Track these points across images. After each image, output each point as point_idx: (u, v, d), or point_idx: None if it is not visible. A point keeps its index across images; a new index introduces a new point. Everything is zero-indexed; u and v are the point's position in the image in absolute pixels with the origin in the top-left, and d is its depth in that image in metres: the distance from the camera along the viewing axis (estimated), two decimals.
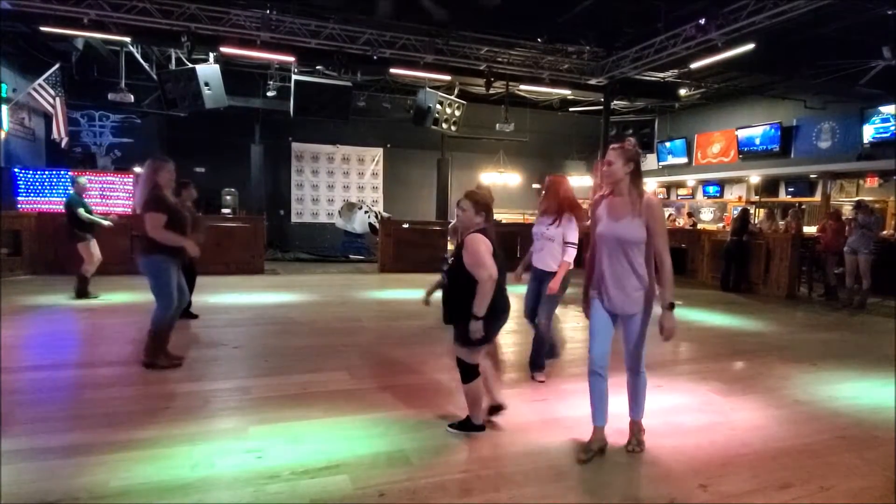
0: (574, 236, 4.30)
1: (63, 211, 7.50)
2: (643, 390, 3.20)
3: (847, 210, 11.62)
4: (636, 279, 2.93)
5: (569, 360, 5.20)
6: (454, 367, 3.28)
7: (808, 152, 13.27)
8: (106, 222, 7.48)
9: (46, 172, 10.83)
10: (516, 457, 3.07)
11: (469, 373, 3.21)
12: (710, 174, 16.14)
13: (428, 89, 12.06)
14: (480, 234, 3.10)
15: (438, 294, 3.45)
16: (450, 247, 8.62)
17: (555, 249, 4.29)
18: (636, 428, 3.22)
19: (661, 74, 11.88)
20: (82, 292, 7.32)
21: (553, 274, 4.27)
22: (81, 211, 7.24)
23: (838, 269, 9.08)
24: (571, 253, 4.28)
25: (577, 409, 3.86)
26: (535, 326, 4.52)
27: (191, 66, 9.87)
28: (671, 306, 2.90)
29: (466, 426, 3.34)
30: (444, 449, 3.15)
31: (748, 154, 14.46)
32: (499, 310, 3.15)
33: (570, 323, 7.01)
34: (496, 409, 3.50)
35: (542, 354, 4.54)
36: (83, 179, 7.72)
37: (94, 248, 7.44)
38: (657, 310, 2.99)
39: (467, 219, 3.18)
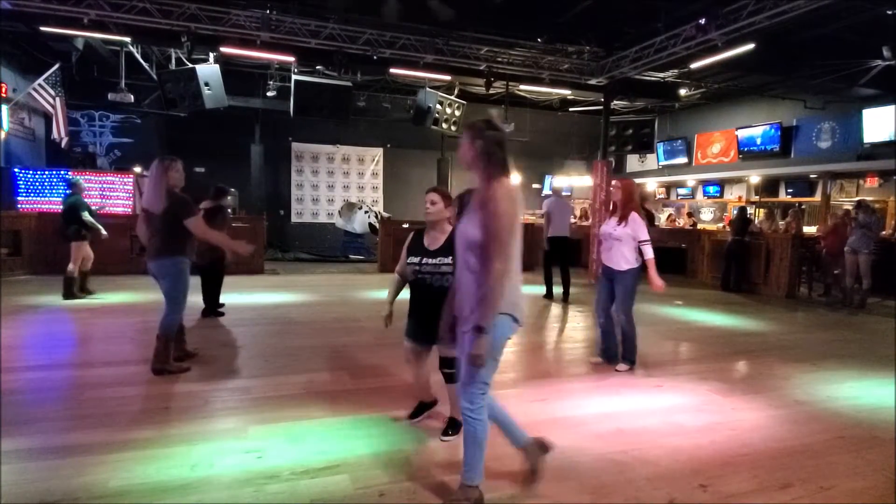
0: (645, 234, 4.58)
1: (60, 211, 7.55)
2: (472, 444, 2.44)
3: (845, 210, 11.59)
4: (472, 293, 2.32)
5: (569, 359, 5.20)
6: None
7: (808, 152, 13.26)
8: (104, 232, 7.51)
9: (46, 172, 10.82)
10: (516, 457, 3.06)
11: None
12: (710, 174, 16.13)
13: (428, 89, 12.06)
14: None
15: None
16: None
17: (623, 249, 4.58)
18: (459, 491, 2.50)
19: (661, 74, 11.86)
20: (69, 293, 7.31)
21: (624, 272, 4.59)
22: (86, 214, 7.31)
23: (838, 269, 9.05)
24: (649, 249, 4.57)
25: (577, 409, 3.87)
26: (602, 322, 4.87)
27: (191, 66, 9.86)
28: (479, 330, 2.23)
29: (458, 426, 3.23)
30: (444, 449, 3.15)
31: (748, 154, 14.46)
32: None
33: (570, 323, 7.02)
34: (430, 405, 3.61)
35: (634, 347, 4.80)
36: (80, 180, 7.79)
37: (86, 248, 7.50)
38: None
39: (438, 213, 3.19)
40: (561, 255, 8.59)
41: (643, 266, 4.70)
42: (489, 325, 2.25)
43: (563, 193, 9.87)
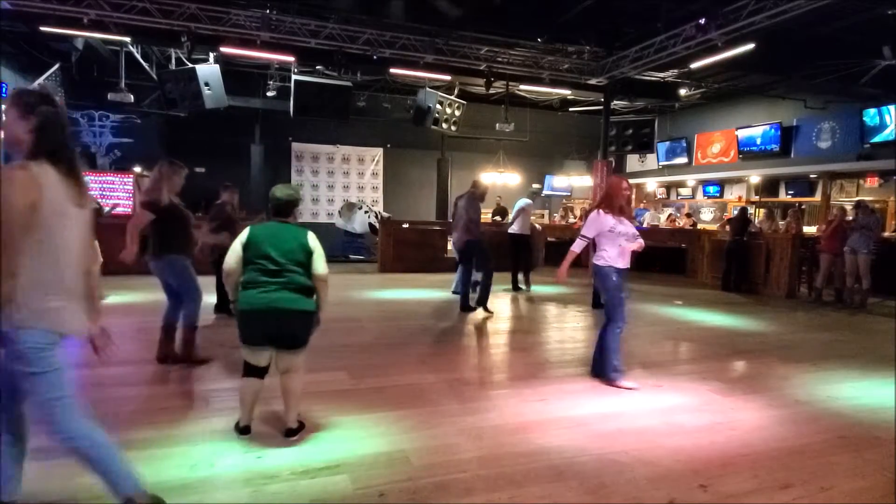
0: (589, 231, 4.45)
1: None
2: (90, 465, 2.15)
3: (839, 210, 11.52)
4: None
5: (569, 359, 5.19)
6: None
7: (808, 152, 13.26)
8: None
9: None
10: (516, 457, 3.07)
11: (243, 368, 3.17)
12: (710, 174, 16.13)
13: (428, 89, 12.06)
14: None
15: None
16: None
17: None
18: None
19: (661, 74, 11.87)
20: None
21: (627, 270, 4.47)
22: None
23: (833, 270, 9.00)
24: (579, 244, 4.42)
25: (577, 409, 3.87)
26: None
27: (191, 66, 9.87)
28: None
29: (296, 430, 3.18)
30: (444, 449, 3.15)
31: (748, 154, 14.45)
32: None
33: (570, 323, 7.02)
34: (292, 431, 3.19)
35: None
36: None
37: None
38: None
39: None
40: (517, 250, 9.23)
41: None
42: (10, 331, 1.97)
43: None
